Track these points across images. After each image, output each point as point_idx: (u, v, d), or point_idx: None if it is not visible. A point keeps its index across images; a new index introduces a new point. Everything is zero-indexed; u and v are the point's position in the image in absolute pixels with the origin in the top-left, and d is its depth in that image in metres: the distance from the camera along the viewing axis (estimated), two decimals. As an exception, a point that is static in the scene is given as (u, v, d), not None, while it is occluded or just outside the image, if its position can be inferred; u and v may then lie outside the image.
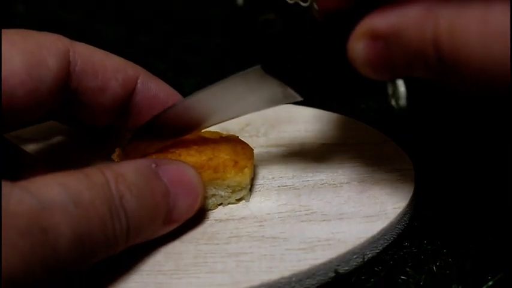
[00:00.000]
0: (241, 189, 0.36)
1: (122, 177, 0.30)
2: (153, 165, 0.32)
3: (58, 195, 0.27)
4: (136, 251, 0.32)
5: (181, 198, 0.33)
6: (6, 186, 0.26)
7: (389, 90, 0.47)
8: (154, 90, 0.36)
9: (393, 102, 0.46)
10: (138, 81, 0.36)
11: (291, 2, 0.43)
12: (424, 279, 0.33)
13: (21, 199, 0.26)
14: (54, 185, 0.27)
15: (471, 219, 0.37)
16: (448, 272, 0.34)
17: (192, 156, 0.36)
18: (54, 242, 0.26)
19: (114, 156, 0.37)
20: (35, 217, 0.26)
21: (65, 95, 0.34)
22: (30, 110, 0.32)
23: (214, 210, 0.36)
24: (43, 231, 0.26)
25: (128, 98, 0.36)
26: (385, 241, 0.34)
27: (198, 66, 0.53)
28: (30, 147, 0.41)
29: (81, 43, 0.35)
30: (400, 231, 0.35)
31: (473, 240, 0.36)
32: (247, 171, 0.36)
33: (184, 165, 0.34)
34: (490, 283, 0.33)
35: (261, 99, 0.35)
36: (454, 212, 0.37)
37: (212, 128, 0.39)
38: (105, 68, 0.35)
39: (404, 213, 0.35)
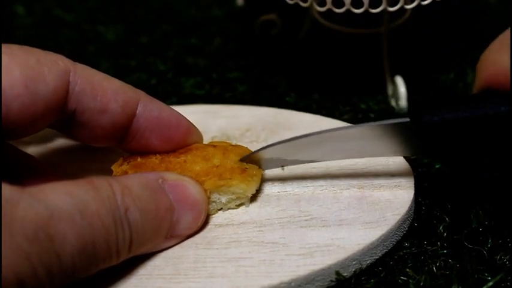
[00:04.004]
0: (245, 197, 0.36)
1: (128, 190, 0.30)
2: (160, 180, 0.33)
3: (65, 204, 0.27)
4: (136, 255, 0.32)
5: (184, 215, 0.33)
6: (16, 191, 0.26)
7: (389, 91, 0.47)
8: (157, 112, 0.36)
9: (393, 103, 0.46)
10: (139, 104, 0.36)
11: (291, 2, 0.43)
12: (424, 280, 0.33)
13: (30, 205, 0.26)
14: (62, 193, 0.28)
15: (471, 220, 0.37)
16: (448, 272, 0.34)
17: (198, 164, 0.36)
18: (59, 250, 0.26)
19: (115, 166, 0.37)
20: (42, 224, 0.26)
21: (63, 115, 0.34)
22: (24, 125, 0.32)
23: (214, 215, 0.36)
24: (49, 238, 0.26)
25: (128, 121, 0.35)
26: (385, 247, 0.34)
27: (198, 66, 0.53)
28: (31, 149, 0.41)
29: (82, 65, 0.34)
30: (400, 237, 0.35)
31: (473, 240, 0.36)
32: (255, 179, 0.36)
33: (190, 181, 0.34)
34: (490, 283, 0.33)
35: (386, 147, 0.36)
36: (454, 213, 0.38)
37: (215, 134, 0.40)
38: (104, 89, 0.34)
39: (404, 220, 0.35)
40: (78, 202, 0.28)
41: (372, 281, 0.34)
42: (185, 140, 0.37)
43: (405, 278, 0.34)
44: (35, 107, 0.32)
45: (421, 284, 0.33)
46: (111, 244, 0.29)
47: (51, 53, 0.33)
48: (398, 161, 0.39)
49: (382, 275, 0.34)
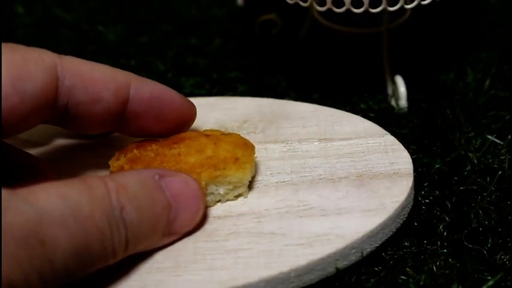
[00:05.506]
0: (242, 186, 0.36)
1: (124, 189, 0.30)
2: (156, 177, 0.32)
3: (57, 207, 0.27)
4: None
5: (182, 212, 0.33)
6: (5, 195, 0.26)
7: (389, 90, 0.47)
8: (148, 92, 0.36)
9: (393, 102, 0.46)
10: (131, 87, 0.35)
11: (291, 2, 0.43)
12: (424, 279, 0.33)
13: (20, 209, 0.26)
14: (54, 195, 0.27)
15: (471, 220, 0.37)
16: (448, 271, 0.33)
17: (192, 156, 0.36)
18: (51, 254, 0.26)
19: (112, 161, 0.37)
20: (33, 228, 0.26)
21: (55, 111, 0.33)
22: (14, 124, 0.31)
23: (212, 207, 0.36)
24: (41, 243, 0.26)
25: (122, 106, 0.35)
26: (384, 235, 0.34)
27: (198, 66, 0.53)
28: (29, 147, 0.40)
29: (68, 56, 0.34)
30: (399, 225, 0.35)
31: (473, 240, 0.35)
32: (249, 167, 0.36)
33: (187, 177, 0.34)
34: (490, 283, 0.32)
35: None
36: (454, 213, 0.37)
37: (213, 127, 0.39)
38: (94, 79, 0.34)
39: (403, 207, 0.35)
40: (70, 204, 0.27)
41: (372, 280, 0.33)
42: (181, 116, 0.37)
43: (405, 278, 0.34)
44: (24, 106, 0.31)
45: (421, 283, 0.33)
46: (107, 245, 0.29)
47: (35, 48, 0.33)
48: (396, 148, 0.39)
49: (382, 275, 0.34)
